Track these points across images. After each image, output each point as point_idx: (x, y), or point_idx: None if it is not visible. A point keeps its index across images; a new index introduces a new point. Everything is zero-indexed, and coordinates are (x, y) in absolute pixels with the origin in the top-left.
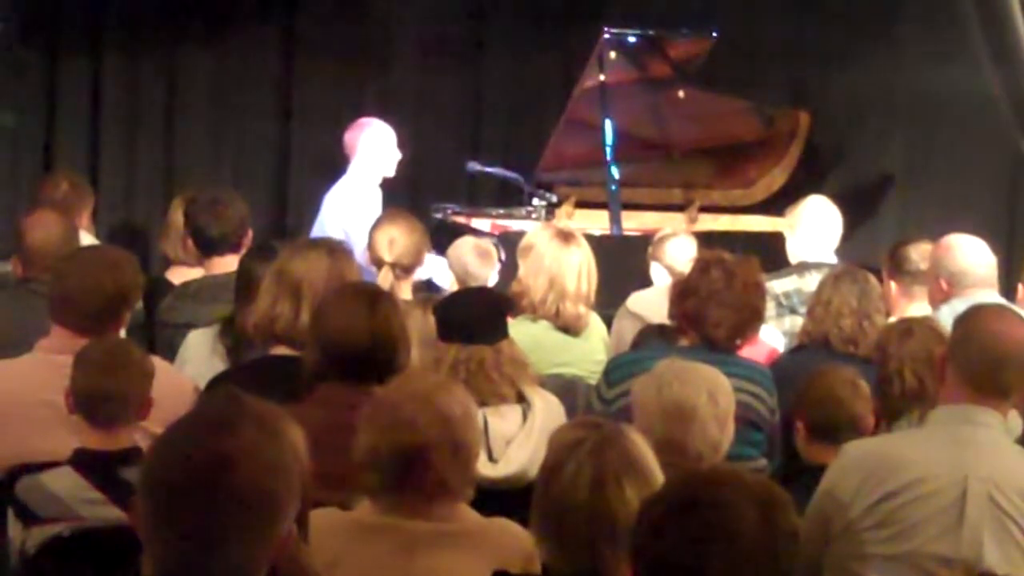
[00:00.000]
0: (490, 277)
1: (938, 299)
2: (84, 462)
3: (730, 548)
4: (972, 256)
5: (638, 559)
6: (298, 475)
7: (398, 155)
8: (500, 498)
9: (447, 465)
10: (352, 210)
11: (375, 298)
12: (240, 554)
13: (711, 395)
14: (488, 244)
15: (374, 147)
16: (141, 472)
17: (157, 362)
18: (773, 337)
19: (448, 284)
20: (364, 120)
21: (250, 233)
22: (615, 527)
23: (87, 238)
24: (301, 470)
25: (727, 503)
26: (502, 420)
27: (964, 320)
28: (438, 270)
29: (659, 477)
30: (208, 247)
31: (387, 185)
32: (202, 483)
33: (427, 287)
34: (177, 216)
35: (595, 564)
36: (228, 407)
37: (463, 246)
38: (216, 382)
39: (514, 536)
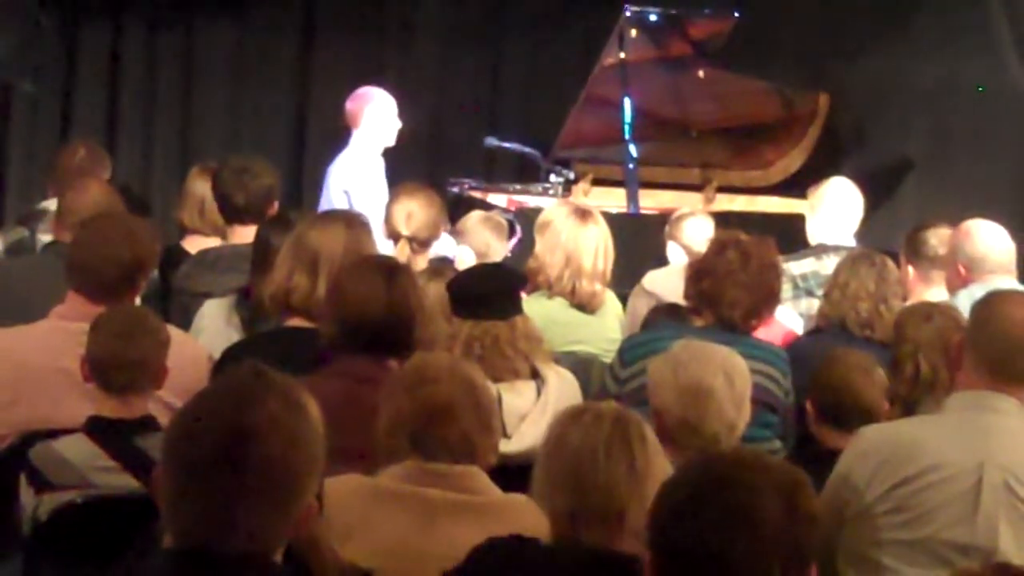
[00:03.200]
0: (504, 249)
1: (956, 284)
2: (98, 429)
3: (755, 533)
4: (991, 241)
5: (657, 544)
6: (320, 449)
7: (399, 124)
8: (514, 473)
9: (471, 422)
10: (356, 181)
11: (393, 271)
12: (261, 526)
13: (727, 376)
14: (498, 216)
15: (377, 117)
16: (164, 443)
17: (172, 331)
18: (791, 319)
19: (460, 260)
20: (365, 90)
21: (276, 205)
22: (599, 499)
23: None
24: (322, 444)
25: (751, 487)
26: (516, 396)
27: (982, 306)
28: (452, 247)
29: (655, 453)
30: (232, 215)
31: (404, 158)
32: (225, 455)
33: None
34: (194, 185)
35: (576, 534)
36: (252, 380)
37: (478, 221)
38: (231, 352)
39: (534, 513)
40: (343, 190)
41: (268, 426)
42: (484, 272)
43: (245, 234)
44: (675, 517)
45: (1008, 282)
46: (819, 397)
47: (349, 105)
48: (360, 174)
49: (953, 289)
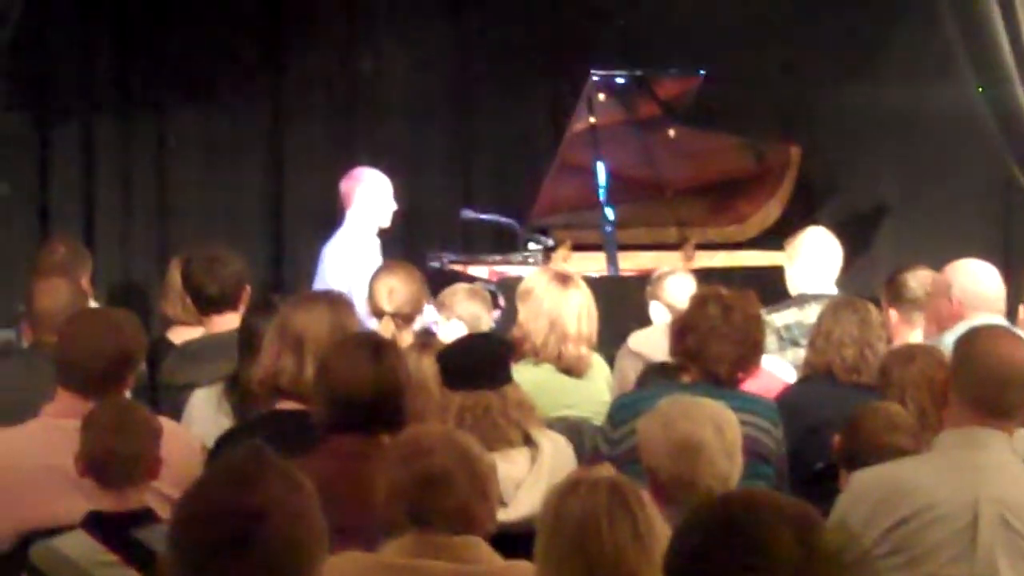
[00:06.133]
0: (490, 320)
1: (944, 316)
2: (97, 525)
3: (769, 572)
4: (985, 279)
5: None
6: (323, 525)
7: (394, 205)
8: (512, 542)
9: (468, 491)
10: (351, 261)
11: (379, 347)
12: None
13: (717, 428)
14: (478, 286)
15: (370, 197)
16: (169, 529)
17: (164, 422)
18: (783, 370)
19: (449, 334)
20: (359, 170)
21: (248, 289)
22: (608, 567)
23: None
24: (323, 521)
25: (765, 525)
26: (511, 464)
27: (964, 342)
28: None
29: (655, 515)
30: (207, 306)
31: (383, 236)
32: (233, 537)
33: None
34: (175, 276)
35: None
36: (252, 461)
37: (464, 294)
38: (224, 439)
39: None
40: (339, 269)
41: (273, 505)
42: (473, 343)
43: (223, 323)
44: (690, 561)
45: (995, 320)
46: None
47: (343, 185)
48: (353, 255)
49: (940, 325)
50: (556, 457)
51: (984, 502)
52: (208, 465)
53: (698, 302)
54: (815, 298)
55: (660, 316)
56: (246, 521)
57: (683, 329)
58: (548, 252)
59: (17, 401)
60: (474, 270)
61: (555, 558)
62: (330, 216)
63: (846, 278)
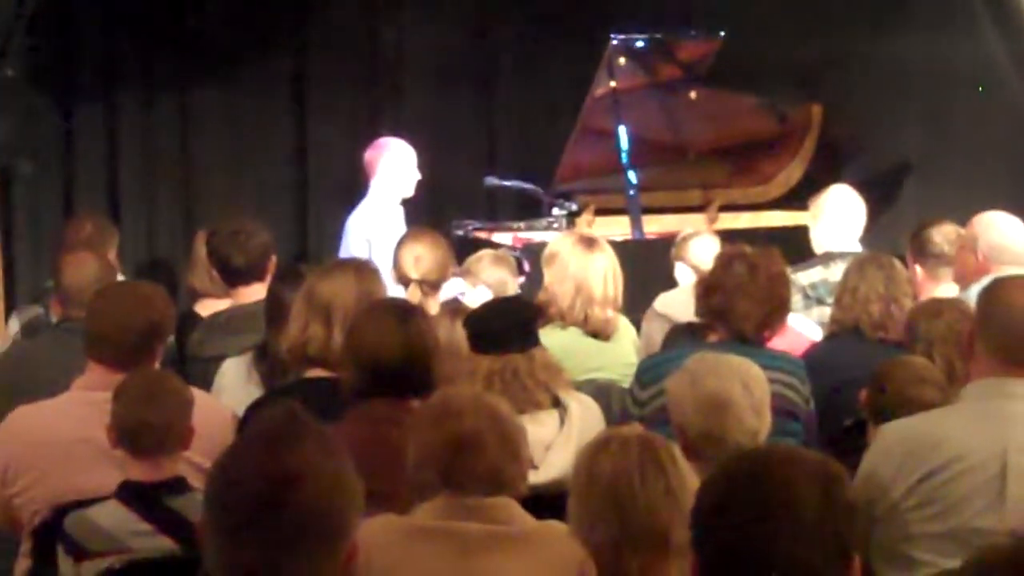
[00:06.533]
0: (516, 285)
1: (970, 273)
2: (130, 494)
3: (795, 524)
4: (1011, 233)
5: (700, 543)
6: (358, 488)
7: (418, 175)
8: (543, 504)
9: (498, 452)
10: (376, 230)
11: (406, 313)
12: (308, 570)
13: (745, 385)
14: (503, 251)
15: (394, 167)
16: (205, 494)
17: (195, 392)
18: (809, 328)
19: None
20: (383, 140)
21: (274, 260)
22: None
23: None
24: (359, 484)
25: (788, 479)
26: (540, 426)
27: (989, 293)
28: (462, 288)
29: (686, 471)
30: (233, 277)
31: (407, 205)
32: (268, 501)
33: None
34: (202, 249)
35: (623, 563)
36: (286, 423)
37: (489, 260)
38: (254, 407)
39: (569, 541)
40: (364, 239)
41: (308, 469)
42: (499, 306)
43: (250, 293)
44: (715, 514)
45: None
46: (877, 404)
47: (367, 155)
48: (377, 224)
49: (965, 280)
50: (585, 419)
51: (1013, 452)
52: (240, 431)
53: (723, 261)
54: (841, 256)
55: (685, 278)
56: (280, 484)
57: (709, 288)
58: (572, 217)
59: (48, 375)
60: (498, 237)
61: (588, 516)
62: (354, 187)
63: (871, 235)
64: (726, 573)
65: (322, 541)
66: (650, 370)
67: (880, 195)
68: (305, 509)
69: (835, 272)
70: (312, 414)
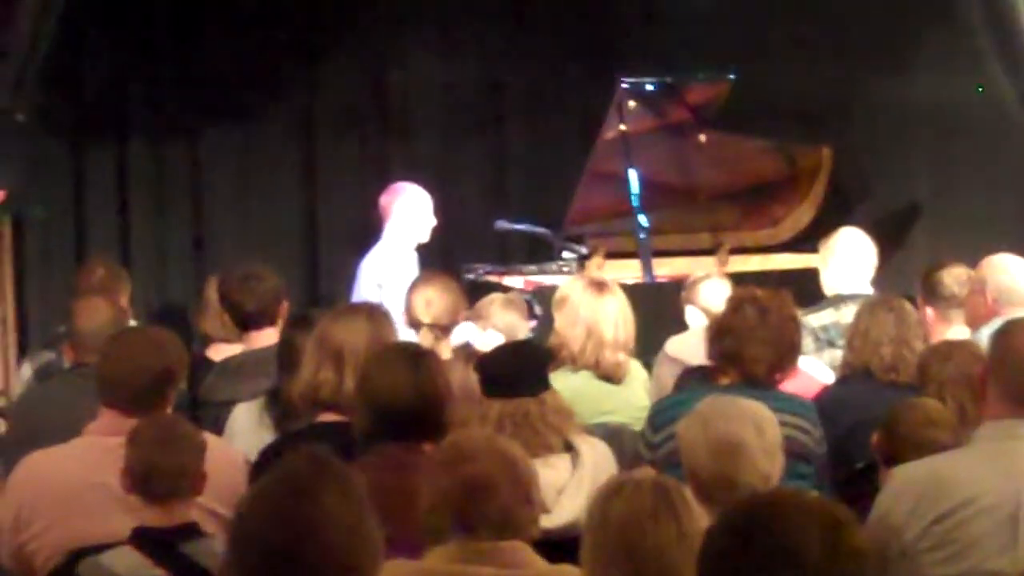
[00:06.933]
0: (527, 328)
1: (981, 315)
2: (144, 540)
3: (797, 572)
4: (1020, 275)
5: None
6: (378, 535)
7: (433, 221)
8: (555, 549)
9: (510, 496)
10: (388, 274)
11: (418, 356)
12: None
13: (757, 427)
14: (513, 295)
15: (409, 212)
16: (227, 542)
17: (207, 436)
18: (821, 372)
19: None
20: (399, 184)
21: (286, 305)
22: (654, 568)
23: (127, 321)
24: (379, 530)
25: (793, 525)
26: (552, 470)
27: (1001, 336)
28: (472, 332)
29: (699, 514)
30: (245, 322)
31: (418, 249)
32: (287, 551)
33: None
34: (213, 294)
35: None
36: (308, 469)
37: (500, 304)
38: (267, 452)
39: None
40: (375, 283)
41: (327, 520)
42: (511, 350)
43: (262, 338)
44: (720, 560)
45: None
46: (888, 447)
47: (382, 199)
48: (389, 268)
49: (976, 323)
50: (597, 463)
51: None
52: (259, 476)
53: (734, 304)
54: (851, 298)
55: (696, 320)
56: (299, 534)
57: (720, 332)
58: (583, 260)
59: (61, 421)
60: (509, 280)
61: (601, 559)
62: (365, 232)
63: (882, 278)
64: None
65: None
66: (661, 413)
67: (890, 237)
68: (325, 559)
69: (846, 314)
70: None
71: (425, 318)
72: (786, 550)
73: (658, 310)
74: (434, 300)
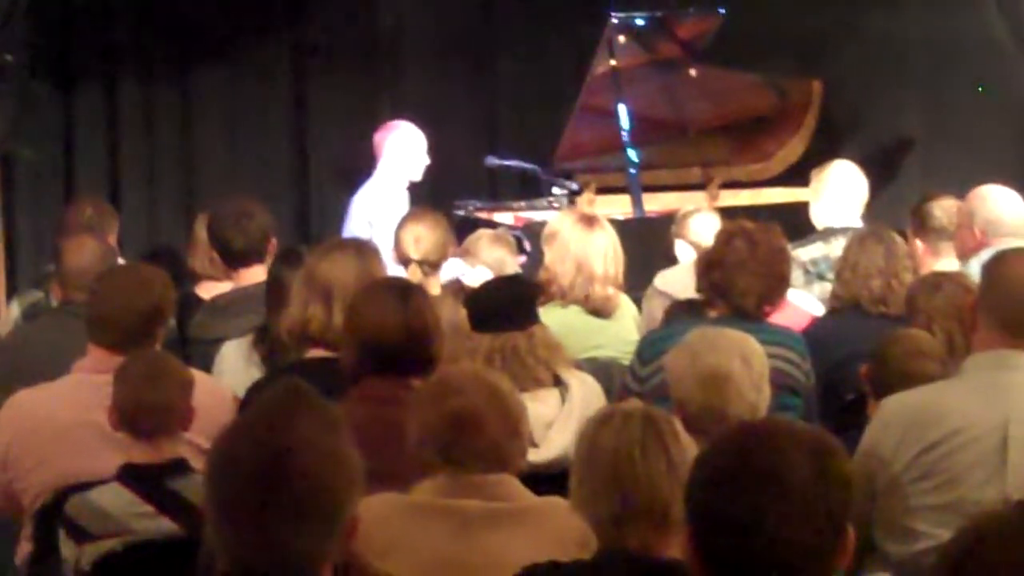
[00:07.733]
0: (515, 264)
1: (970, 248)
2: (131, 476)
3: (785, 497)
4: (1007, 205)
5: (693, 515)
6: (358, 463)
7: (426, 159)
8: (544, 482)
9: (498, 429)
10: (379, 211)
11: (407, 291)
12: (308, 545)
13: (744, 359)
14: (502, 231)
15: (401, 149)
16: (206, 472)
17: (195, 373)
18: (811, 305)
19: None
20: (394, 123)
21: (275, 242)
22: (643, 498)
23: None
24: (359, 459)
25: (780, 452)
26: (541, 404)
27: (992, 267)
28: (461, 268)
29: (688, 445)
30: (234, 259)
31: (408, 186)
32: (264, 476)
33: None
34: (202, 231)
35: (623, 539)
36: (287, 399)
37: (488, 240)
38: (255, 388)
39: (569, 516)
40: (366, 220)
41: (302, 443)
42: (499, 285)
43: (250, 275)
44: (708, 486)
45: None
46: (877, 378)
47: (376, 136)
48: (381, 204)
49: (965, 255)
50: (586, 397)
51: (1014, 423)
52: (241, 412)
53: (724, 237)
54: (842, 231)
55: (686, 255)
56: (275, 458)
57: (709, 264)
58: (573, 196)
59: (49, 359)
60: (500, 217)
61: (589, 490)
62: (355, 169)
63: (872, 211)
64: (717, 546)
65: (321, 516)
66: (650, 346)
67: (881, 170)
68: (302, 484)
69: (836, 248)
70: (316, 390)
71: (414, 254)
72: (774, 476)
73: (648, 245)
74: (423, 236)
